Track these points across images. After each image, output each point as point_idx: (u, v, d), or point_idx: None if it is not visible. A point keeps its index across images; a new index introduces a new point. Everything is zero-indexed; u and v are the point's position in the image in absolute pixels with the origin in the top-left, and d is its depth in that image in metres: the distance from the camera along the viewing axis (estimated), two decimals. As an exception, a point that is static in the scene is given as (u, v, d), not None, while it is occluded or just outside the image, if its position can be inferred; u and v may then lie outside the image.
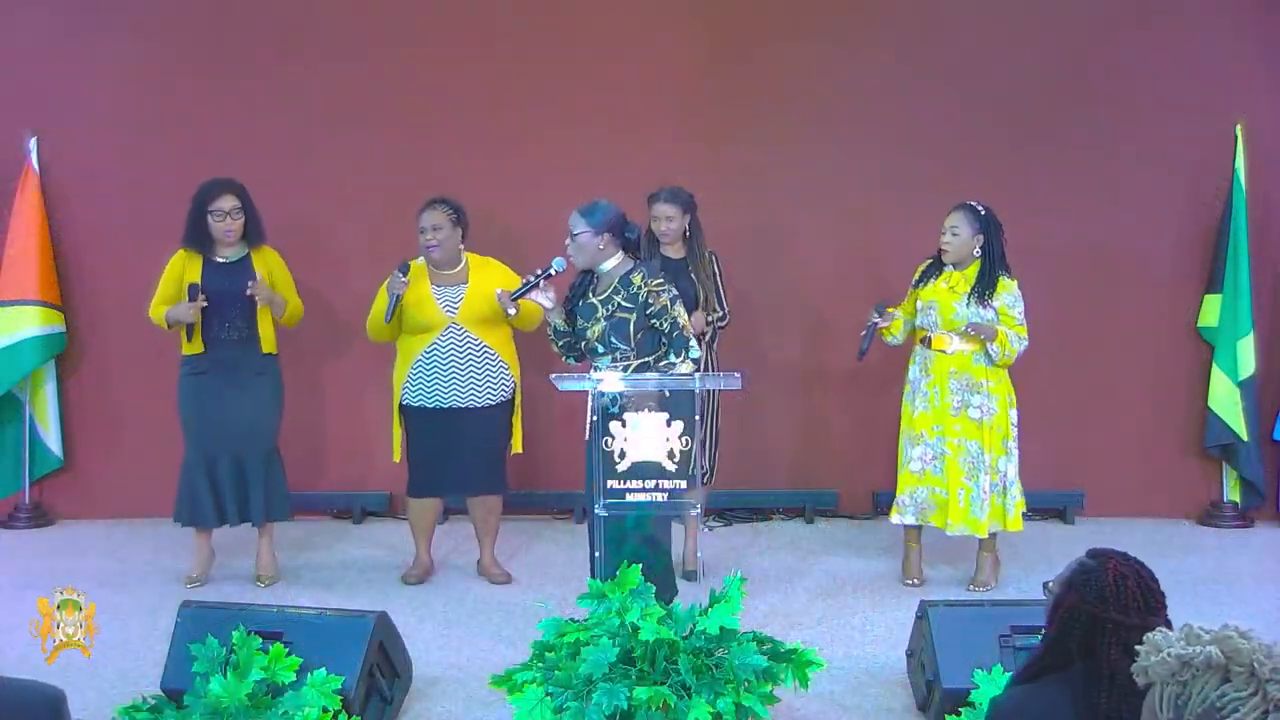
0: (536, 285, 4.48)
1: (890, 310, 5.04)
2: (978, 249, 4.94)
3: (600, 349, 4.35)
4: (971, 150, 6.06)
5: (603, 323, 4.34)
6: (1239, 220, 5.96)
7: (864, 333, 5.00)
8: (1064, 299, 6.05)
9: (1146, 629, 2.12)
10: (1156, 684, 1.77)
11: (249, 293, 5.01)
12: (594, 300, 4.40)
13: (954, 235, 4.95)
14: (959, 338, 4.93)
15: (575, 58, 6.15)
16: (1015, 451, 4.99)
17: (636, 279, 4.35)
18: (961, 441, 4.92)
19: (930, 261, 5.09)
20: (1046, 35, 6.11)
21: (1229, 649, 1.71)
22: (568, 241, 4.42)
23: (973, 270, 4.96)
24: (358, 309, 5.34)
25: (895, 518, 5.07)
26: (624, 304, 4.33)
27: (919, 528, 5.11)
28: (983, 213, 4.95)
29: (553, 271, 4.50)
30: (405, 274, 5.01)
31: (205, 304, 4.99)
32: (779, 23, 6.15)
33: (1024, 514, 5.09)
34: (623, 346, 4.32)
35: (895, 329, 5.08)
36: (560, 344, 4.55)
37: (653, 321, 4.33)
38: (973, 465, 4.92)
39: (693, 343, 4.37)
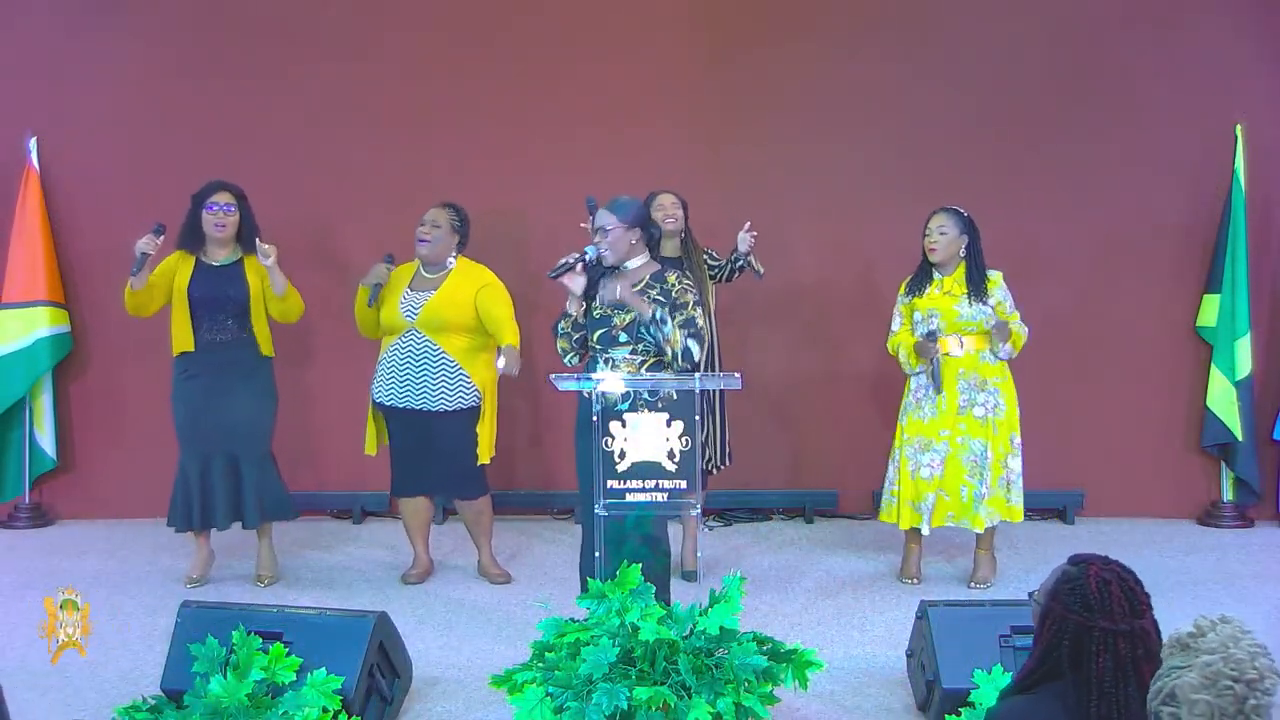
0: (573, 268, 4.31)
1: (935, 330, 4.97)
2: (962, 250, 4.99)
3: (624, 338, 4.25)
4: (970, 150, 6.07)
5: (634, 314, 4.25)
6: (1238, 220, 5.96)
7: (931, 369, 4.92)
8: (1064, 299, 6.05)
9: (1134, 633, 2.12)
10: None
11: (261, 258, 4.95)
12: (621, 296, 4.30)
13: (942, 234, 4.98)
14: (990, 334, 4.88)
15: (575, 58, 6.15)
16: (1020, 448, 5.01)
17: (672, 277, 4.30)
18: (965, 440, 4.93)
19: (914, 275, 5.10)
20: (1046, 35, 6.11)
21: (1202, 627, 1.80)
22: (598, 239, 4.32)
23: (960, 272, 5.00)
24: (358, 309, 5.35)
25: (921, 526, 5.02)
26: (657, 298, 4.25)
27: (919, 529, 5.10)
28: (965, 214, 5.01)
29: (588, 258, 4.33)
30: (390, 264, 5.11)
31: (163, 234, 4.93)
32: (779, 23, 6.15)
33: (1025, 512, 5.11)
34: (647, 339, 4.24)
35: (944, 345, 4.98)
36: (575, 338, 4.38)
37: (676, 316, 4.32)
38: (975, 463, 4.93)
39: (696, 348, 4.25)
